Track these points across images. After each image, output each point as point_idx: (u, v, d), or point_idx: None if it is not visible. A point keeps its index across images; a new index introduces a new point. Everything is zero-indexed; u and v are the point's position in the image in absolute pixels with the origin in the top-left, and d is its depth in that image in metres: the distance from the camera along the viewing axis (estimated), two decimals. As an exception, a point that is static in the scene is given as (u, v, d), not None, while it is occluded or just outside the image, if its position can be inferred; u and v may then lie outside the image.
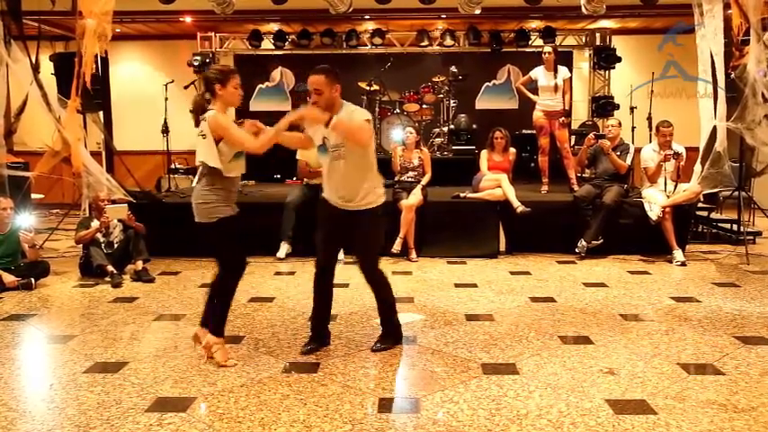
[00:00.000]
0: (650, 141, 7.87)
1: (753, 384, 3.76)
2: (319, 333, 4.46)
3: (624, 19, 10.72)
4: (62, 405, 3.56)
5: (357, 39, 11.22)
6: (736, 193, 7.66)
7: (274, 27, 11.21)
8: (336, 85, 4.10)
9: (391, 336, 4.48)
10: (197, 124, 4.08)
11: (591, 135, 7.68)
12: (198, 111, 4.10)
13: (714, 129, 7.10)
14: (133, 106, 11.59)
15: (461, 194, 7.63)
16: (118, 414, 3.43)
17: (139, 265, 6.48)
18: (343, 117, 4.08)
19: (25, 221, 6.71)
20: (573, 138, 9.87)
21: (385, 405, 3.54)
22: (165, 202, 7.89)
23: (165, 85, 9.45)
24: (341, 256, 7.12)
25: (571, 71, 8.76)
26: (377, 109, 10.43)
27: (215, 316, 4.17)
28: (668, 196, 7.12)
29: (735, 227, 8.06)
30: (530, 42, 11.20)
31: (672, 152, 7.08)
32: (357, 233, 4.28)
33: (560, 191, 8.07)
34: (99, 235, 6.54)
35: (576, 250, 7.19)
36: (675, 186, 7.18)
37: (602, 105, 10.93)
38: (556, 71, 7.95)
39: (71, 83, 6.74)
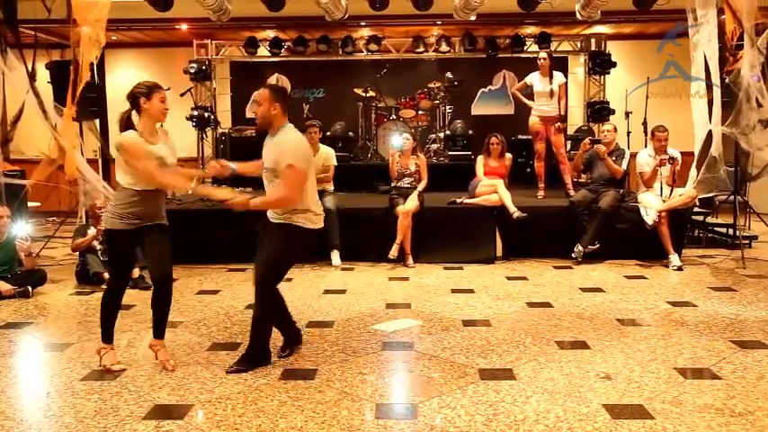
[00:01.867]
0: (645, 146, 7.89)
1: (749, 388, 3.77)
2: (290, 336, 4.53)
3: (619, 24, 10.77)
4: (59, 413, 3.56)
5: (353, 45, 11.24)
6: (732, 197, 7.68)
7: (270, 34, 11.23)
8: (276, 104, 4.11)
9: (250, 357, 4.25)
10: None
11: (587, 140, 7.70)
12: (121, 126, 4.17)
13: (709, 133, 7.14)
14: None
15: (458, 200, 7.65)
16: (115, 422, 3.43)
17: (136, 272, 6.46)
18: (276, 140, 4.13)
19: (21, 230, 6.70)
20: (569, 143, 9.89)
21: (382, 411, 3.54)
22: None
23: (162, 93, 9.43)
24: (337, 262, 7.19)
25: (566, 77, 8.78)
26: (373, 115, 10.46)
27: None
28: (664, 201, 7.14)
29: (731, 231, 8.09)
30: (525, 48, 11.26)
31: (667, 157, 7.09)
32: (266, 242, 4.23)
33: (556, 196, 8.08)
34: (96, 242, 6.54)
35: (573, 255, 7.20)
36: (671, 191, 7.20)
37: (598, 110, 10.96)
38: (551, 77, 7.97)
39: (67, 91, 6.74)
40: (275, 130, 4.17)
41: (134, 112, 4.16)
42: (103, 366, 4.19)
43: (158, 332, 4.30)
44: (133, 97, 4.13)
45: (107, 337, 4.27)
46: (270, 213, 4.20)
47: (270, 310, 4.30)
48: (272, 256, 4.19)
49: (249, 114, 11.76)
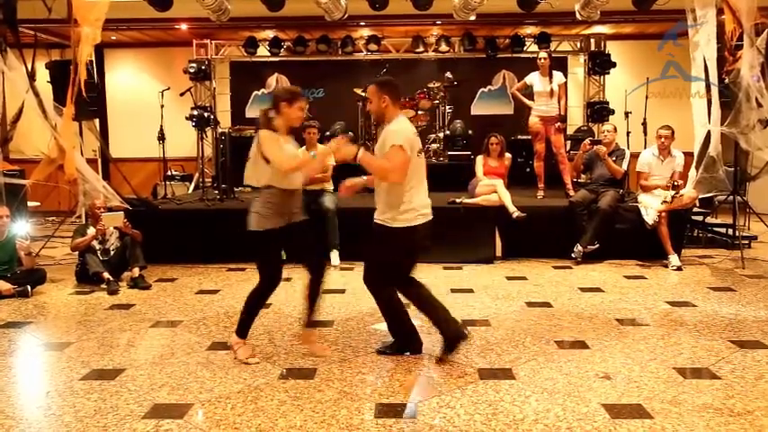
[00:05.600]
0: (644, 146, 7.89)
1: (748, 388, 3.78)
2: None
3: (618, 24, 10.77)
4: (59, 412, 3.56)
5: (352, 45, 11.24)
6: (732, 197, 7.69)
7: (270, 34, 11.23)
8: (385, 95, 4.27)
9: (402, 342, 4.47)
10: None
11: (587, 141, 7.69)
12: (262, 125, 4.29)
13: (708, 133, 7.13)
14: (129, 113, 11.63)
15: (457, 200, 7.64)
16: (115, 421, 3.43)
17: (136, 272, 6.48)
18: (386, 129, 4.25)
19: (21, 229, 6.70)
20: (568, 143, 9.89)
21: (382, 410, 3.54)
22: (161, 210, 7.89)
23: (161, 93, 9.46)
24: (336, 261, 7.19)
25: (566, 77, 8.78)
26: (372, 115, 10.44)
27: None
28: (665, 201, 7.12)
29: (730, 231, 8.09)
30: (525, 48, 11.26)
31: (672, 192, 6.98)
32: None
33: (556, 196, 8.08)
34: (95, 242, 6.54)
35: (572, 255, 7.21)
36: (676, 193, 7.13)
37: (598, 111, 10.98)
38: (551, 76, 7.98)
39: (67, 90, 6.74)
40: (389, 121, 4.29)
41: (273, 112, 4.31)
42: (239, 360, 4.29)
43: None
44: (276, 99, 4.29)
45: (243, 332, 4.39)
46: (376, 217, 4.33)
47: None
48: (369, 256, 4.43)
49: (249, 114, 11.79)
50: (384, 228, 4.26)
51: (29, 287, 6.14)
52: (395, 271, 4.34)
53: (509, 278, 6.66)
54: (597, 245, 7.19)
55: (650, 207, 7.11)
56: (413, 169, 4.22)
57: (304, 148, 7.70)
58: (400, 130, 4.21)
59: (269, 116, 4.26)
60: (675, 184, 7.00)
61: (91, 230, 6.55)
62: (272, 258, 4.31)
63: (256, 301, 4.35)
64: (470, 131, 10.36)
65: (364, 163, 4.19)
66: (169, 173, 10.47)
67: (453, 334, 4.30)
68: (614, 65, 11.17)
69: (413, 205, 4.25)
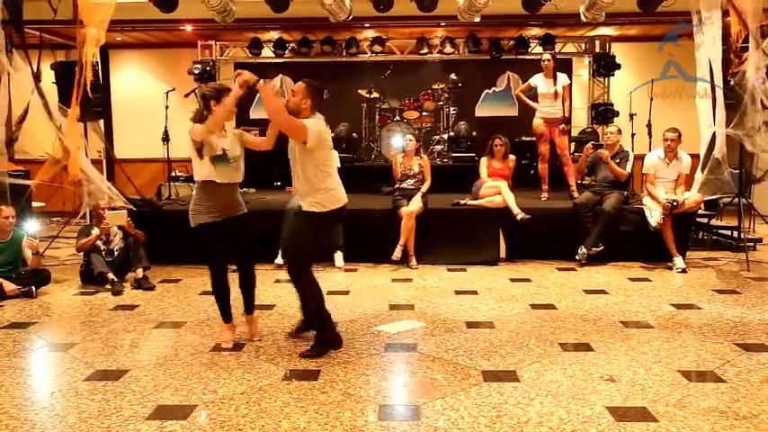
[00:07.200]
0: (649, 148, 7.87)
1: (754, 391, 3.76)
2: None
3: (623, 26, 10.74)
4: (63, 413, 3.57)
5: (357, 46, 11.25)
6: (737, 199, 7.67)
7: (274, 35, 11.25)
8: (308, 99, 4.45)
9: (323, 341, 4.57)
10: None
11: (589, 145, 7.68)
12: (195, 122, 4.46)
13: (713, 135, 7.12)
14: (134, 114, 11.64)
15: (461, 201, 7.64)
16: (118, 422, 3.43)
17: (140, 272, 6.49)
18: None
19: (32, 227, 6.72)
20: (573, 145, 9.88)
21: (385, 412, 3.54)
22: (165, 210, 7.90)
23: (166, 93, 9.47)
24: (340, 263, 7.19)
25: (570, 78, 8.76)
26: (377, 116, 10.46)
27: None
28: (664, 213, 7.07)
29: (735, 233, 8.07)
30: (529, 50, 11.24)
31: (672, 200, 6.99)
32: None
33: (560, 198, 8.07)
34: (99, 243, 6.56)
35: (577, 257, 7.19)
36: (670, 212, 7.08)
37: (602, 112, 10.95)
38: (555, 78, 7.96)
39: (72, 91, 6.76)
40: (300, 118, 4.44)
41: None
42: (216, 343, 4.68)
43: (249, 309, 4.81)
44: (206, 99, 4.45)
45: (226, 317, 4.73)
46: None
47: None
48: (291, 240, 4.77)
49: (253, 115, 11.80)
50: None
51: (33, 287, 6.15)
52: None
53: (513, 280, 6.65)
54: (601, 247, 7.18)
55: (654, 209, 7.09)
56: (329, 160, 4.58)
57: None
58: (314, 123, 4.40)
59: (204, 116, 4.42)
60: (675, 203, 6.96)
61: (95, 231, 6.57)
62: (213, 251, 4.59)
63: (218, 290, 4.67)
64: (475, 133, 10.36)
65: (263, 93, 4.34)
66: (173, 174, 10.48)
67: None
68: (619, 66, 11.15)
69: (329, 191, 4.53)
